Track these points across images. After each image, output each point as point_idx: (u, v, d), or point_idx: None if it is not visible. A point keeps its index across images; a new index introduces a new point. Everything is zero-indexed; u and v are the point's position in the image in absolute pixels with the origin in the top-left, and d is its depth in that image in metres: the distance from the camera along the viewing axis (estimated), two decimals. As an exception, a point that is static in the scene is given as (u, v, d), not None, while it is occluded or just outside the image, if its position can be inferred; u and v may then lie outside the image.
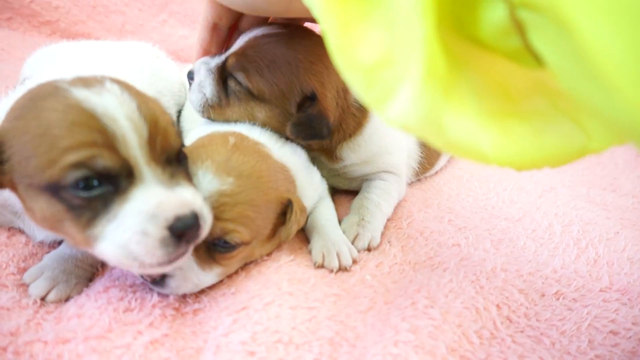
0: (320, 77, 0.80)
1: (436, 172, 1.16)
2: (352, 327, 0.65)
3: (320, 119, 0.79)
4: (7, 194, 0.60)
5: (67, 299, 0.65)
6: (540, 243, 0.88)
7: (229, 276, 0.72)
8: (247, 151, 0.71)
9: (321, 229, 0.82)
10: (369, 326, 0.65)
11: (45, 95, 0.53)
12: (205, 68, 0.82)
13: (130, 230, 0.51)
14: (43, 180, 0.50)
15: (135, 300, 0.64)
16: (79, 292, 0.66)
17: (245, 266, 0.74)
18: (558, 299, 0.74)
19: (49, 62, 1.01)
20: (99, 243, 0.53)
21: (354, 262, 0.78)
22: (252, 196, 0.67)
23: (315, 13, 0.37)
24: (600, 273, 0.79)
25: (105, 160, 0.50)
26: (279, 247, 0.79)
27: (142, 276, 0.65)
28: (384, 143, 0.93)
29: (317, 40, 0.81)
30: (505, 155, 0.36)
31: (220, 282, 0.71)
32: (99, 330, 0.59)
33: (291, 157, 0.80)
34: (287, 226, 0.71)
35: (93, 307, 0.62)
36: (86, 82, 0.54)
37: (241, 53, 0.79)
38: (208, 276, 0.67)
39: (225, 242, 0.65)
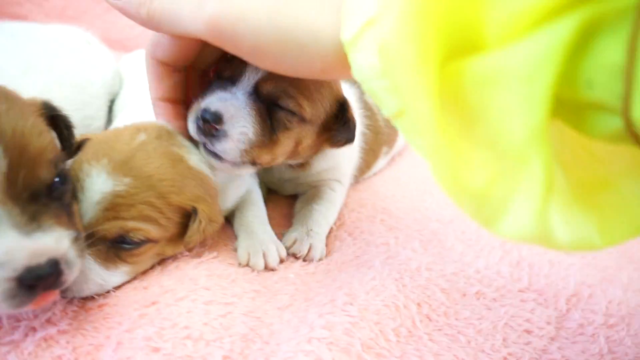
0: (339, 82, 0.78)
1: (374, 174, 1.16)
2: (269, 323, 0.63)
3: (354, 122, 0.77)
4: None
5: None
6: (467, 244, 0.90)
7: (145, 271, 0.68)
8: (154, 152, 0.65)
9: (248, 227, 0.79)
10: (286, 323, 0.64)
11: None
12: (233, 105, 0.66)
13: None
14: None
15: (36, 294, 0.60)
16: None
17: (162, 261, 0.71)
18: (478, 298, 0.75)
19: None
20: None
21: (281, 261, 0.76)
22: (150, 198, 0.63)
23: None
24: (521, 274, 0.81)
25: None
26: (202, 243, 0.76)
27: None
28: (347, 150, 0.91)
29: None
30: (613, 238, 0.35)
31: (134, 277, 0.67)
32: (-13, 327, 0.54)
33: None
34: (188, 234, 0.67)
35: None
36: None
37: (278, 77, 0.64)
38: (115, 276, 0.63)
39: (130, 239, 0.62)
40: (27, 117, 0.52)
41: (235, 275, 0.70)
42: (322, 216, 0.86)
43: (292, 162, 0.85)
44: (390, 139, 1.17)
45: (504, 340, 0.67)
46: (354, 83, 1.08)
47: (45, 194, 0.52)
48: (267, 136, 0.68)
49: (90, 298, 0.63)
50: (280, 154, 0.73)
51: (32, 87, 0.83)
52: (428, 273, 0.77)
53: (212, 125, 0.65)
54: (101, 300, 0.62)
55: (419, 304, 0.70)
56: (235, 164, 0.70)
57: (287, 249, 0.79)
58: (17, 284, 0.47)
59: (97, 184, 0.61)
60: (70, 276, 0.53)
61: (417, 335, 0.65)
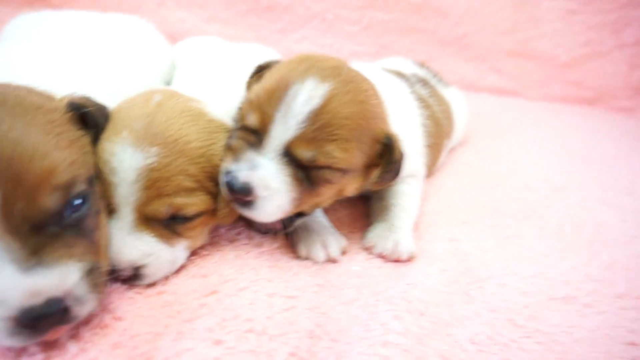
0: (383, 114, 0.68)
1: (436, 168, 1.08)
2: (335, 319, 0.57)
3: (402, 158, 0.68)
4: None
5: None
6: (548, 244, 0.80)
7: (202, 257, 0.65)
8: (173, 111, 0.61)
9: (303, 223, 0.72)
10: (354, 319, 0.58)
11: None
12: (264, 179, 0.59)
13: None
14: None
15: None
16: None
17: (220, 247, 0.67)
18: (568, 303, 0.66)
19: (26, 32, 0.94)
20: None
21: (343, 252, 0.70)
22: (184, 165, 0.58)
23: None
24: (615, 278, 0.71)
25: None
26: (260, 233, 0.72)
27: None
28: (410, 147, 0.78)
29: (357, 73, 0.68)
30: None
31: (191, 263, 0.63)
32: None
33: None
34: (219, 206, 0.63)
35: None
36: None
37: (310, 137, 0.59)
38: (179, 251, 0.61)
39: (182, 215, 0.59)
40: (29, 136, 0.46)
41: (297, 268, 0.65)
42: (402, 209, 0.77)
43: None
44: (448, 131, 1.09)
45: (607, 353, 0.57)
46: (403, 76, 1.01)
47: (55, 222, 0.46)
48: (305, 194, 0.62)
49: (150, 285, 0.59)
50: (322, 203, 0.67)
51: (87, 76, 0.81)
52: (505, 277, 0.69)
53: (241, 196, 0.59)
54: (160, 288, 0.59)
55: (494, 310, 0.62)
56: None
57: (371, 249, 0.72)
58: (16, 323, 0.43)
59: (126, 161, 0.56)
60: (81, 312, 0.47)
61: (502, 343, 0.57)
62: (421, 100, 0.95)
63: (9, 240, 0.43)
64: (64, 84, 0.77)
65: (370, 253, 0.72)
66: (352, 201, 0.85)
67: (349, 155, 0.61)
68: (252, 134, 0.62)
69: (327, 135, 0.59)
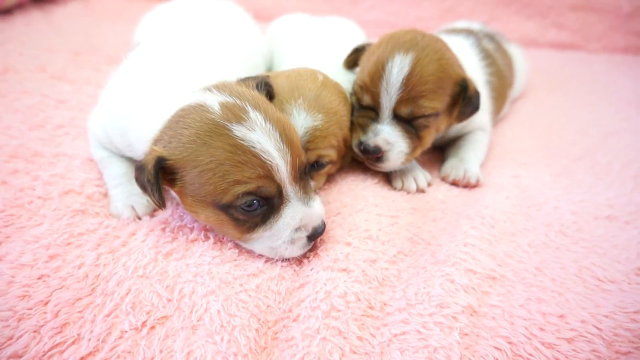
0: (457, 62, 0.89)
1: (500, 118, 1.25)
2: (427, 231, 0.79)
3: (477, 95, 0.89)
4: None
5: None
6: (597, 177, 0.97)
7: (324, 191, 0.88)
8: (333, 90, 0.84)
9: None
10: (441, 230, 0.79)
11: (208, 132, 0.64)
12: (385, 139, 0.84)
13: (281, 239, 0.69)
14: (215, 201, 0.66)
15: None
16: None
17: (336, 184, 0.90)
18: (610, 221, 0.83)
19: (157, 27, 1.16)
20: (253, 243, 0.71)
21: (429, 184, 0.91)
22: (335, 130, 0.83)
23: None
24: (655, 203, 0.87)
25: (267, 189, 0.65)
26: (364, 172, 0.95)
27: None
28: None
29: (430, 36, 0.88)
30: None
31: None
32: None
33: None
34: (346, 157, 0.90)
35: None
36: (235, 114, 0.65)
37: (406, 98, 0.83)
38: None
39: (320, 163, 0.83)
40: (285, 119, 0.70)
41: (395, 197, 0.87)
42: (471, 149, 0.98)
43: None
44: (511, 82, 1.24)
45: (638, 254, 0.75)
46: (470, 33, 1.16)
47: (305, 172, 0.71)
48: (415, 140, 0.87)
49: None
50: (427, 144, 0.90)
51: (218, 64, 0.96)
52: (556, 201, 0.87)
53: (374, 155, 0.86)
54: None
55: (549, 224, 0.81)
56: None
57: (446, 178, 0.94)
58: (307, 239, 0.70)
59: (300, 121, 0.79)
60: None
61: (554, 247, 0.77)
62: (487, 56, 1.11)
63: (294, 186, 0.68)
64: (194, 77, 0.92)
65: (445, 181, 0.93)
66: (431, 151, 1.06)
67: (436, 103, 0.84)
68: (370, 110, 0.88)
69: (417, 93, 0.82)
